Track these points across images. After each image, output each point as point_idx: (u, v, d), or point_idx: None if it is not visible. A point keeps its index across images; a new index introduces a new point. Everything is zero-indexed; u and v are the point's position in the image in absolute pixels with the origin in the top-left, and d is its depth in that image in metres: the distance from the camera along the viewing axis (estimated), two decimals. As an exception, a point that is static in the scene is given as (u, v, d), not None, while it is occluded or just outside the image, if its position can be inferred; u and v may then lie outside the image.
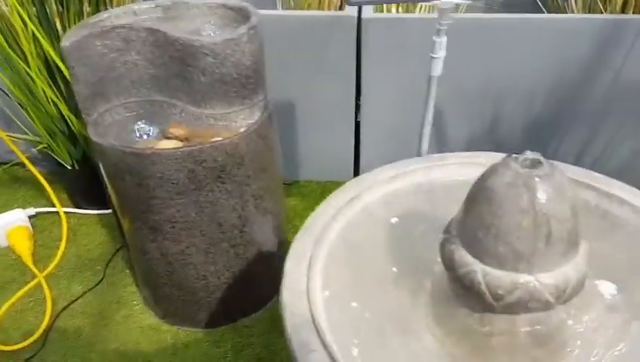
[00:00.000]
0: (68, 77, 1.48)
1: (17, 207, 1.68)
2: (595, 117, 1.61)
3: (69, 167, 1.64)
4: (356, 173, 1.85)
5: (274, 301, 1.45)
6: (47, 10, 1.45)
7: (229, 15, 1.26)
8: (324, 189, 1.82)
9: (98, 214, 1.72)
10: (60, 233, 1.65)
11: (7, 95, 1.60)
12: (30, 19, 1.42)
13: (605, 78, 1.53)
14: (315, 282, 0.82)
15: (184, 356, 1.33)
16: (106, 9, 1.55)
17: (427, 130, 1.05)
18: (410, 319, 0.80)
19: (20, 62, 1.46)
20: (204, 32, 1.23)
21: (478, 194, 0.73)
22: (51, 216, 1.71)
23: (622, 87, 1.54)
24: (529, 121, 1.64)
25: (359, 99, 1.65)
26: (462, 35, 1.46)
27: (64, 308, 1.44)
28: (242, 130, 1.21)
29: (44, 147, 1.61)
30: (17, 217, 1.63)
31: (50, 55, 1.47)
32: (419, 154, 1.13)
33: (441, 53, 0.95)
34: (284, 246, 1.46)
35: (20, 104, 1.56)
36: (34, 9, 1.44)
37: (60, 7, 1.46)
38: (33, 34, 1.44)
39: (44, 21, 1.46)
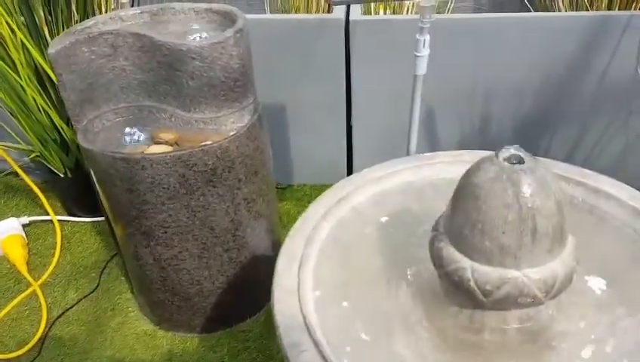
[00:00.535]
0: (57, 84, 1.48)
1: (11, 216, 1.68)
2: (584, 115, 1.62)
3: (62, 175, 1.64)
4: (349, 175, 1.85)
5: (269, 304, 1.45)
6: (36, 18, 1.46)
7: (215, 19, 1.27)
8: (318, 193, 1.81)
9: (92, 221, 1.72)
10: (54, 241, 1.65)
11: (-3, 105, 1.61)
12: (19, 28, 1.42)
13: (593, 75, 1.54)
14: (306, 282, 0.82)
15: None
16: (94, 15, 1.56)
17: (415, 130, 1.06)
18: (402, 317, 0.81)
19: (10, 71, 1.47)
20: (191, 36, 1.23)
21: (464, 191, 0.73)
22: (45, 225, 1.71)
23: (609, 84, 1.55)
24: (519, 120, 1.65)
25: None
26: (450, 34, 1.47)
27: (59, 316, 1.44)
28: (232, 133, 1.21)
29: (37, 156, 1.62)
30: (11, 226, 1.63)
31: (39, 63, 1.47)
32: (408, 154, 1.13)
33: (424, 52, 0.95)
34: (277, 250, 1.46)
35: (10, 113, 1.56)
36: (22, 18, 1.45)
37: (49, 16, 1.47)
38: (22, 43, 1.44)
39: (33, 30, 1.46)
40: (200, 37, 1.22)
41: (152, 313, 1.42)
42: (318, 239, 0.90)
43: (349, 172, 1.85)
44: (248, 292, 1.40)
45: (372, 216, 0.96)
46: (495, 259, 0.70)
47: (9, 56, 1.47)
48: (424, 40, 0.94)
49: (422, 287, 0.85)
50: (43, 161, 1.63)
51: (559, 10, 1.60)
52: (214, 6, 1.26)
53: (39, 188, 1.67)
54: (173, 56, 1.15)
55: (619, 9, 1.55)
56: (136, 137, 1.24)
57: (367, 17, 1.50)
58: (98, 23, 1.21)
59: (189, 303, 1.35)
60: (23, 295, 1.49)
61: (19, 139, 1.66)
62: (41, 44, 1.48)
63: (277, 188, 1.61)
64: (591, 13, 1.54)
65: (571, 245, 0.74)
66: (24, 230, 1.67)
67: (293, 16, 1.61)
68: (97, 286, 1.52)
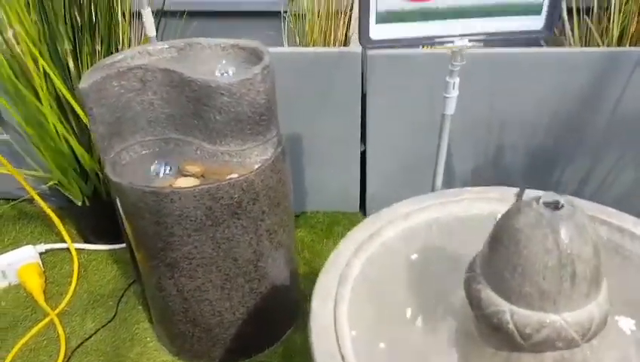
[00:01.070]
0: (81, 115, 1.50)
1: (27, 243, 1.69)
2: (596, 147, 1.65)
3: (80, 203, 1.65)
4: (362, 204, 1.87)
5: (288, 334, 1.46)
6: (59, 48, 1.48)
7: (241, 55, 1.29)
8: (331, 220, 1.84)
9: (108, 249, 1.72)
10: (71, 269, 1.65)
11: (18, 132, 1.62)
12: (42, 56, 1.44)
13: (605, 108, 1.58)
14: (342, 322, 0.83)
15: (199, 392, 1.34)
16: (116, 48, 1.59)
17: (441, 167, 1.09)
18: (438, 360, 0.82)
19: (32, 99, 1.48)
20: (218, 72, 1.26)
21: (503, 234, 0.75)
22: (61, 252, 1.72)
23: (621, 118, 1.58)
24: (532, 151, 1.68)
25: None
26: (464, 69, 1.50)
27: (78, 346, 1.44)
28: (256, 165, 1.23)
29: (55, 183, 1.63)
30: (28, 254, 1.63)
31: (61, 92, 1.49)
32: (433, 190, 1.16)
33: (454, 93, 0.98)
34: (296, 279, 1.48)
35: (31, 141, 1.57)
36: (46, 47, 1.47)
37: (71, 46, 1.49)
38: (45, 71, 1.46)
39: (56, 58, 1.48)
40: (227, 73, 1.25)
41: (171, 343, 1.42)
42: (351, 277, 0.91)
43: (362, 200, 1.87)
44: (267, 322, 1.41)
45: (402, 253, 0.98)
46: (535, 303, 0.72)
47: (31, 85, 1.49)
48: (454, 82, 0.97)
49: (456, 327, 0.86)
50: (60, 188, 1.64)
51: (571, 46, 1.64)
52: (241, 42, 1.28)
53: (56, 215, 1.68)
54: (202, 92, 1.18)
55: (630, 44, 1.59)
56: (163, 170, 1.25)
57: (384, 51, 1.54)
58: (127, 57, 1.24)
59: (209, 334, 1.35)
60: (40, 324, 1.49)
61: (36, 167, 1.67)
62: (64, 73, 1.50)
63: (292, 216, 1.62)
64: (602, 48, 1.57)
65: (605, 287, 0.76)
66: (40, 258, 1.67)
67: (311, 49, 1.64)
68: (115, 315, 1.52)
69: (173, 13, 1.85)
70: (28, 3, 1.44)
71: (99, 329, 1.48)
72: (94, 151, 1.55)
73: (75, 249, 1.70)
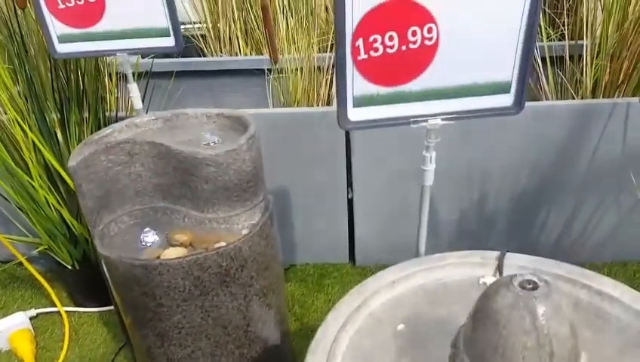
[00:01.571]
0: (70, 184, 1.52)
1: (17, 307, 1.69)
2: (577, 192, 1.69)
3: (70, 267, 1.66)
4: (351, 254, 1.89)
5: (279, 397, 1.45)
6: (47, 119, 1.51)
7: (226, 123, 1.33)
8: (321, 272, 1.86)
9: (99, 312, 1.72)
10: (62, 333, 1.65)
11: (6, 199, 1.64)
12: (30, 129, 1.47)
13: (583, 156, 1.62)
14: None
15: None
16: (104, 113, 1.62)
17: (423, 233, 1.11)
18: None
19: (22, 174, 1.50)
20: (204, 141, 1.29)
21: (483, 314, 0.77)
22: (52, 316, 1.72)
23: (599, 166, 1.63)
24: (515, 197, 1.72)
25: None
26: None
27: (70, 415, 1.43)
28: (244, 231, 1.25)
29: (45, 248, 1.64)
30: (19, 321, 1.63)
31: (51, 163, 1.51)
32: (417, 255, 1.18)
33: (431, 166, 1.02)
34: (287, 338, 1.48)
35: (20, 208, 1.59)
36: (34, 117, 1.50)
37: (59, 115, 1.52)
38: (34, 143, 1.48)
39: (45, 130, 1.51)
40: (213, 142, 1.28)
41: (163, 410, 1.41)
42: (339, 352, 0.92)
43: (351, 251, 1.89)
44: (259, 385, 1.41)
45: (389, 323, 1.00)
46: (516, 382, 0.74)
47: (20, 156, 1.51)
48: (430, 156, 1.00)
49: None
50: (50, 252, 1.65)
51: (546, 98, 1.69)
52: (225, 111, 1.32)
53: (45, 279, 1.68)
54: (189, 163, 1.20)
55: (603, 96, 1.65)
56: (151, 240, 1.27)
57: (367, 109, 1.58)
58: (115, 131, 1.27)
59: (201, 400, 1.35)
60: (32, 393, 1.48)
61: (26, 232, 1.68)
62: (53, 144, 1.52)
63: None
64: (576, 101, 1.63)
65: None
66: (31, 322, 1.67)
67: (295, 109, 1.68)
68: (106, 380, 1.52)
69: (161, 74, 1.89)
70: (15, 72, 1.48)
71: (91, 396, 1.48)
72: (83, 217, 1.57)
73: (66, 312, 1.70)
